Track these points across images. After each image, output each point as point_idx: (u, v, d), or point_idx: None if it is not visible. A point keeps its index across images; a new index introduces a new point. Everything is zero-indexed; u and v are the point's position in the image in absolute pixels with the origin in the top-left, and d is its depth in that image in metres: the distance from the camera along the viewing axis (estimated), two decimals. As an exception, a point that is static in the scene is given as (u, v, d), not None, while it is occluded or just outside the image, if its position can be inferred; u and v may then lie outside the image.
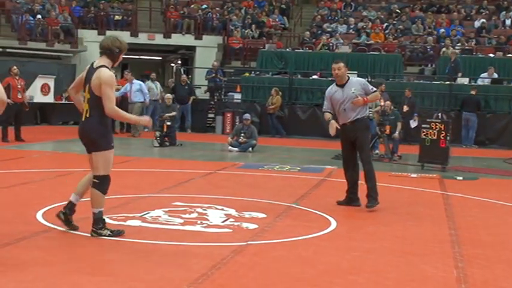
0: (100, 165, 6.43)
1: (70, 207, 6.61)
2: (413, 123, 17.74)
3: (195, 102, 22.11)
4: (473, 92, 20.10)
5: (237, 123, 17.64)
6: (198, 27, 28.20)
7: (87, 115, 6.40)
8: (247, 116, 16.76)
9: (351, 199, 8.76)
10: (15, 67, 16.66)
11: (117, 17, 28.41)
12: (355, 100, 8.47)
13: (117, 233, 6.47)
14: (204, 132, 21.72)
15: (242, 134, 16.06)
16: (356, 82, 8.77)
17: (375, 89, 8.82)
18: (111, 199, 8.50)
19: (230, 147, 16.01)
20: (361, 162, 8.74)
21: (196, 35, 28.14)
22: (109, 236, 6.37)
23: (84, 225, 6.82)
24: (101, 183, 6.44)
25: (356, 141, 8.62)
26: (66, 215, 6.57)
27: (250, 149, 15.95)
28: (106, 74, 6.28)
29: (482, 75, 22.06)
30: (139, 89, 19.74)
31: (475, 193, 10.41)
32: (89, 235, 6.39)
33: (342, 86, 8.67)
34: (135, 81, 20.00)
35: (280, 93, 21.14)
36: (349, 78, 8.77)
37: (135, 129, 19.32)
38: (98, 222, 6.42)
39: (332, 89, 8.80)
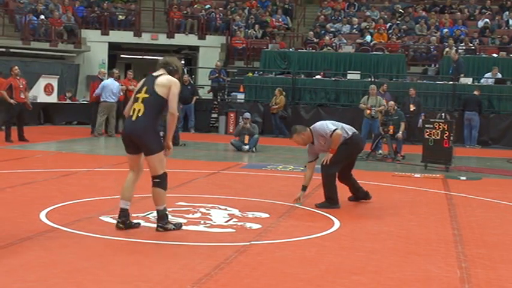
0: (157, 165, 6.69)
1: (124, 214, 6.77)
2: (421, 123, 17.73)
3: (198, 102, 22.11)
4: (476, 92, 20.07)
5: (240, 123, 17.54)
6: (201, 27, 28.21)
7: (140, 114, 6.58)
8: (247, 115, 16.67)
9: (359, 197, 9.06)
10: (16, 67, 16.65)
11: (120, 17, 28.43)
12: (324, 160, 8.62)
13: (179, 225, 6.84)
14: (208, 132, 21.72)
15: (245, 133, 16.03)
16: (317, 136, 8.63)
17: (332, 128, 8.54)
18: (115, 199, 8.51)
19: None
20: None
21: (199, 35, 28.16)
22: (173, 229, 6.70)
23: (87, 226, 6.84)
24: (162, 181, 6.73)
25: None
26: (124, 222, 6.73)
27: (254, 149, 15.89)
28: (174, 79, 6.71)
29: (486, 75, 22.03)
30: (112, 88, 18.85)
31: (479, 193, 10.40)
32: (88, 234, 6.40)
33: (312, 143, 8.73)
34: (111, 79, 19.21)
35: (283, 93, 21.14)
36: (312, 136, 8.65)
37: (111, 127, 18.89)
38: (163, 218, 6.73)
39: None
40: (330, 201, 8.65)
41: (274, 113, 21.08)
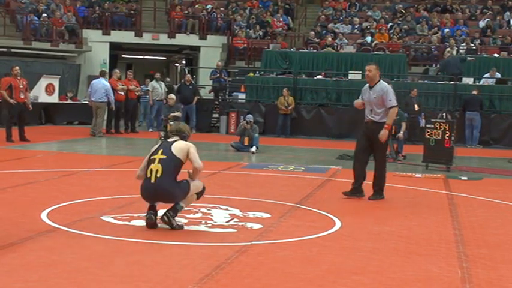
0: (193, 194, 6.99)
1: (154, 209, 6.92)
2: (422, 122, 17.73)
3: (199, 102, 22.09)
4: (475, 92, 20.07)
5: (242, 122, 17.44)
6: (203, 27, 28.21)
7: (158, 175, 6.73)
8: (249, 117, 16.59)
9: (356, 189, 9.25)
10: (17, 67, 16.60)
11: (123, 10, 28.40)
12: (381, 136, 8.95)
13: (180, 227, 6.87)
14: (209, 132, 21.70)
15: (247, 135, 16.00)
16: (380, 89, 9.07)
17: (393, 103, 9.01)
18: (117, 199, 8.54)
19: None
20: (375, 162, 9.33)
21: (200, 35, 28.17)
22: (174, 228, 6.77)
23: (88, 226, 6.84)
24: (200, 192, 7.12)
25: (373, 142, 9.15)
26: (157, 214, 6.91)
27: (256, 147, 15.84)
28: (190, 143, 7.06)
29: (485, 75, 22.03)
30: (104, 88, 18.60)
31: (480, 193, 10.39)
32: (89, 234, 6.41)
33: (371, 87, 9.16)
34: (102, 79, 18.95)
35: (285, 93, 21.14)
36: (379, 81, 9.13)
37: (97, 129, 18.42)
38: (176, 212, 6.85)
39: (364, 87, 9.34)
40: (381, 192, 9.22)
41: (287, 114, 20.98)
